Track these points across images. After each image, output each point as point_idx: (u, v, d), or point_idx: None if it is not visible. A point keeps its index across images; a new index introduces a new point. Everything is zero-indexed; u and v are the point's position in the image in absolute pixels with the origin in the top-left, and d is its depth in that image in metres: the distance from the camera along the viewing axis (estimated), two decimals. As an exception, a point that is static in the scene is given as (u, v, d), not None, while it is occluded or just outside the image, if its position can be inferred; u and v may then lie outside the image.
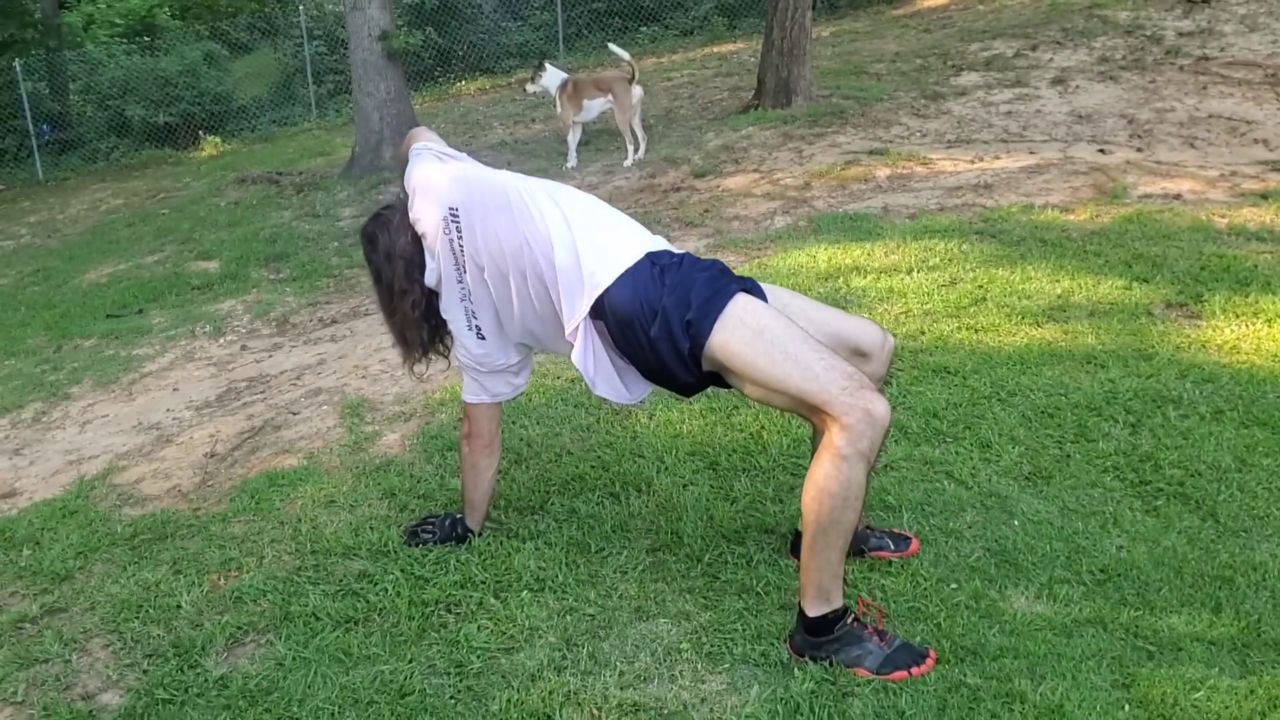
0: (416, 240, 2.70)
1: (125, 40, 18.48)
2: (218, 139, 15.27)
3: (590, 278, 2.45)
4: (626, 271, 2.43)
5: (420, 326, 2.80)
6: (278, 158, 12.49)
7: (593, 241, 2.49)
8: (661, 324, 2.37)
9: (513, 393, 2.88)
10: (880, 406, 2.19)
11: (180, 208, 10.21)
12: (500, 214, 2.56)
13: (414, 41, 10.72)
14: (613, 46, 9.21)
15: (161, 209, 10.45)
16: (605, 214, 2.63)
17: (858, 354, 2.52)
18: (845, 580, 2.51)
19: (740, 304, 2.35)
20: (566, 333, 2.52)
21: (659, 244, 2.55)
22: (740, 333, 2.31)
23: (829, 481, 2.22)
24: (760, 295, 2.46)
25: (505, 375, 2.81)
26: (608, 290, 2.43)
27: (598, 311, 2.46)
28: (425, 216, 2.66)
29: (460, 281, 2.66)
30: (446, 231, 2.62)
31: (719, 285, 2.39)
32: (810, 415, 2.28)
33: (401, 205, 2.76)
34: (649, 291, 2.40)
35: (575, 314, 2.48)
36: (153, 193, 11.73)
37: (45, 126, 16.84)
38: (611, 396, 2.59)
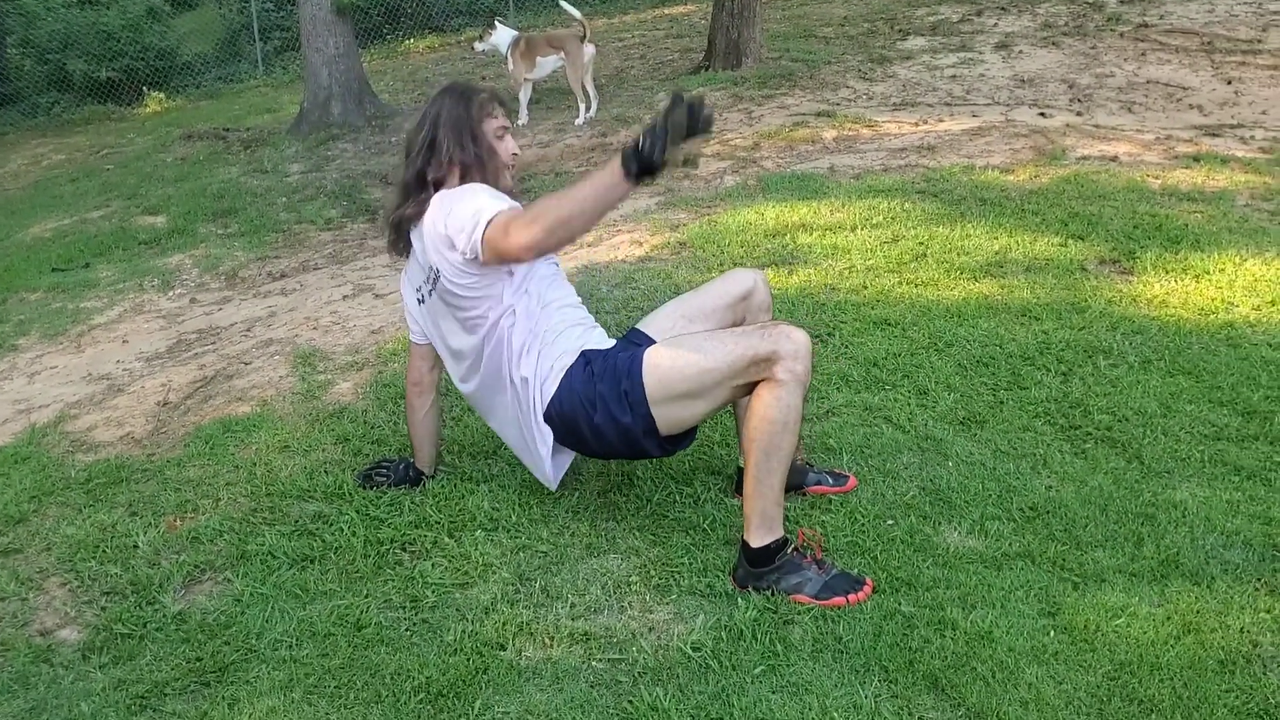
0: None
1: (66, -7, 18.05)
2: (162, 95, 14.99)
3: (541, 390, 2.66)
4: (564, 377, 2.63)
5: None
6: (224, 114, 12.33)
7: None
8: (603, 409, 2.55)
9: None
10: (799, 333, 2.41)
11: (125, 163, 10.07)
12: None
13: (362, -2, 10.64)
14: (564, 4, 9.19)
15: (106, 165, 10.29)
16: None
17: (743, 299, 2.79)
18: (786, 516, 2.62)
19: (651, 351, 2.55)
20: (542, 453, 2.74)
21: (596, 337, 2.73)
22: (664, 362, 2.50)
23: (768, 409, 2.38)
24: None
25: None
26: (550, 400, 2.64)
27: (548, 418, 2.67)
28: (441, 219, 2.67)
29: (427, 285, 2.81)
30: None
31: (632, 352, 2.58)
32: (753, 379, 2.42)
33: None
34: (585, 387, 2.59)
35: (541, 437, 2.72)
36: (96, 148, 11.54)
37: (-19, 80, 16.46)
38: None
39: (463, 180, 2.69)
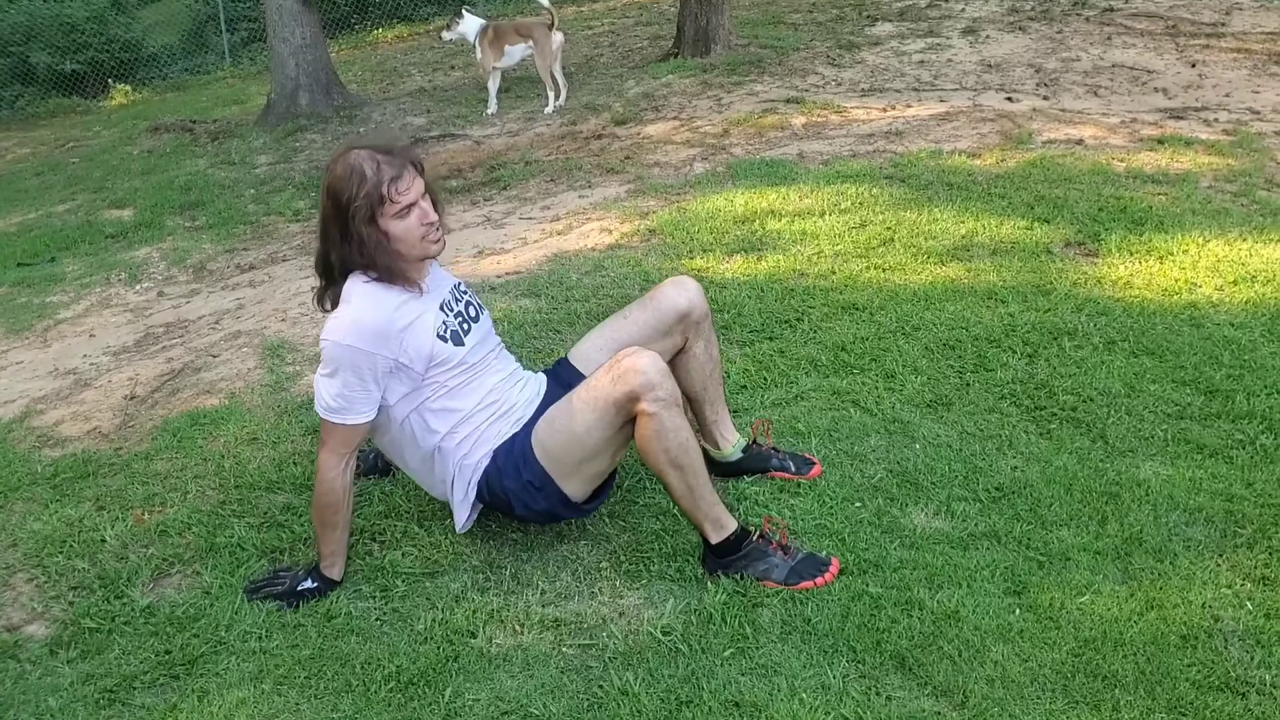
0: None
1: (27, -16, 17.82)
2: (128, 88, 14.85)
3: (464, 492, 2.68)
4: (479, 487, 2.65)
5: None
6: (191, 106, 12.22)
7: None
8: (518, 502, 2.58)
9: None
10: (643, 360, 2.38)
11: (91, 156, 9.97)
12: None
13: (329, -13, 10.56)
14: (532, -8, 9.15)
15: (71, 158, 10.19)
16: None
17: (680, 320, 2.76)
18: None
19: (535, 433, 2.56)
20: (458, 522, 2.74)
21: (499, 427, 2.66)
22: (548, 441, 2.52)
23: (655, 440, 2.38)
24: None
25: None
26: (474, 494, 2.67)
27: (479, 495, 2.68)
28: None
29: None
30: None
31: (520, 431, 2.61)
32: (631, 416, 2.41)
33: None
34: (496, 488, 2.61)
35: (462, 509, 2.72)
36: (61, 142, 11.42)
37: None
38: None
39: (368, 266, 2.52)
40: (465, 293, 2.74)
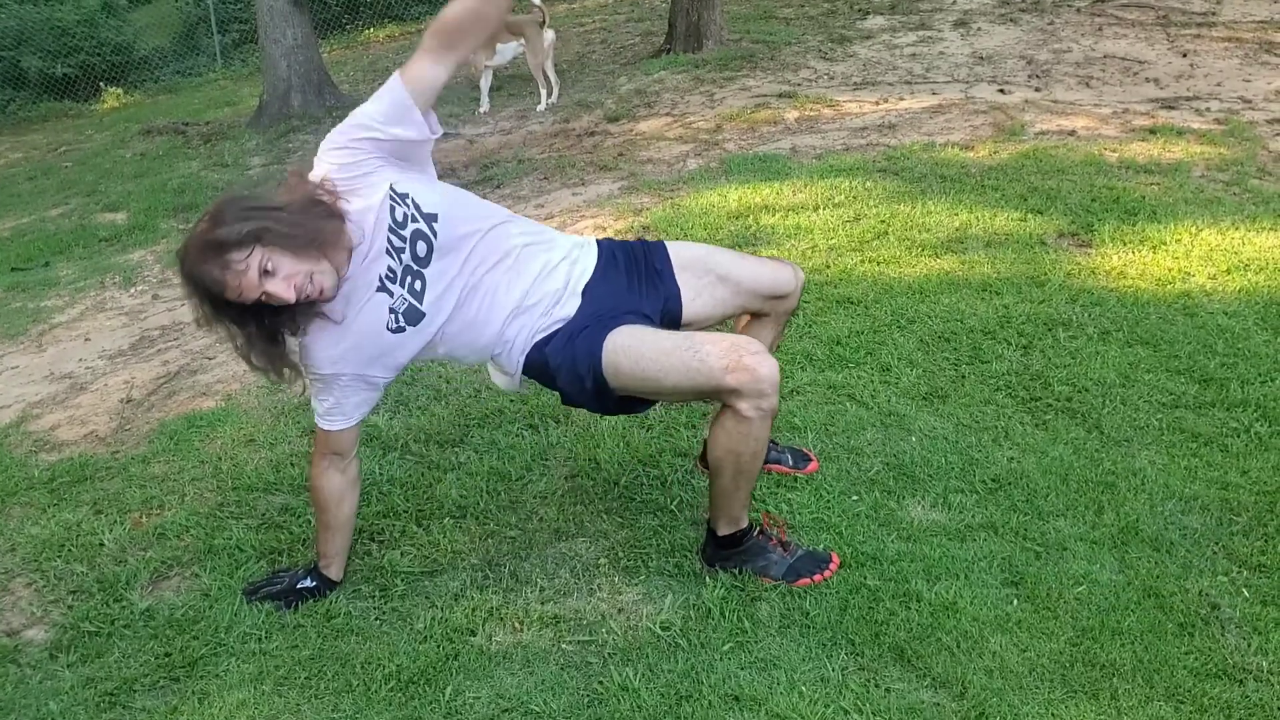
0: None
1: (17, -11, 17.79)
2: (119, 91, 14.84)
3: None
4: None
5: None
6: (183, 108, 12.21)
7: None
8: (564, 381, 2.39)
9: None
10: (766, 368, 2.22)
11: (84, 160, 9.95)
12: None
13: (320, -12, 10.56)
14: (523, -10, 9.16)
15: (64, 162, 10.17)
16: None
17: (776, 297, 2.62)
18: (753, 495, 2.64)
19: (610, 351, 2.32)
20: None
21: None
22: (623, 367, 2.30)
23: (736, 443, 2.29)
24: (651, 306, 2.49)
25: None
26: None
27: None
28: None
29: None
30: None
31: (590, 341, 2.35)
32: (720, 399, 2.29)
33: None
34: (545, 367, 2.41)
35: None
36: (53, 146, 11.40)
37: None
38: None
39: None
40: (405, 221, 2.26)
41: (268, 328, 2.26)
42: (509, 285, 2.38)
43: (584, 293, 2.43)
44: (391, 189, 2.24)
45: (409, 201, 2.25)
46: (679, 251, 2.58)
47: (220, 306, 2.20)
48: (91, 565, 2.83)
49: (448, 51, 2.19)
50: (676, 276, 2.52)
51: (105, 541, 2.92)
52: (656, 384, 2.29)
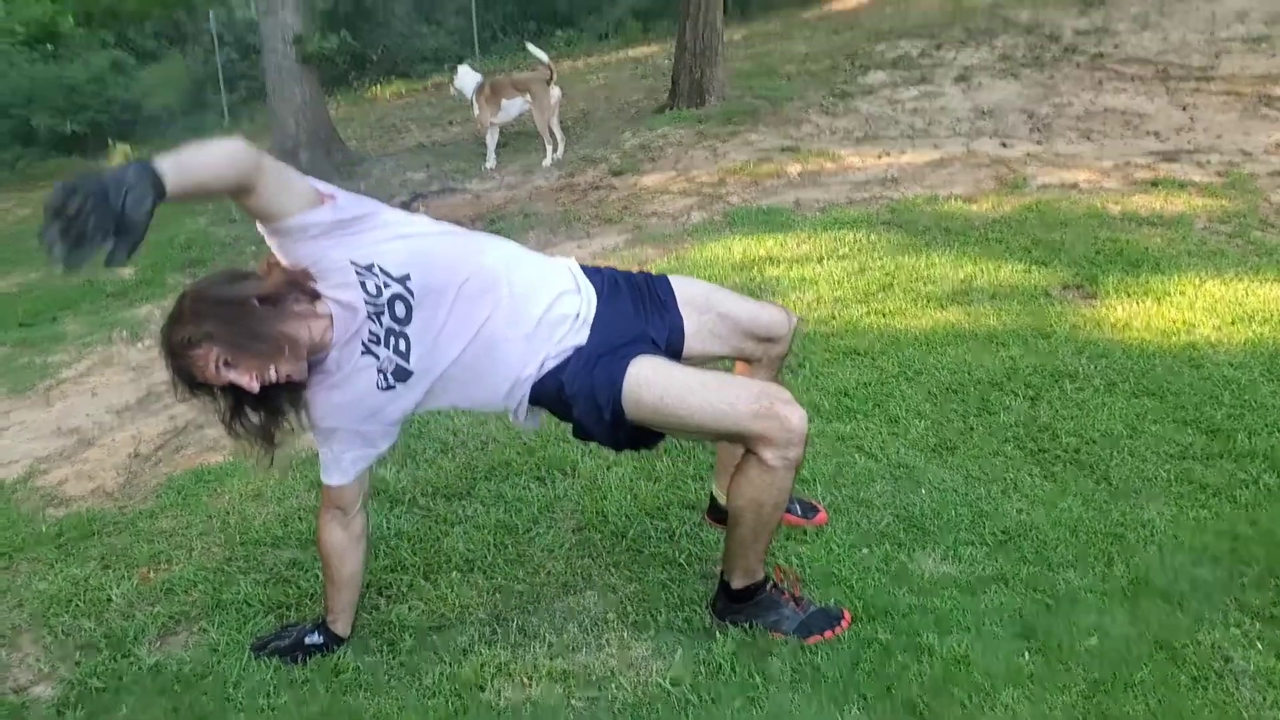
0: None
1: (28, 48, 18.04)
2: (127, 147, 14.97)
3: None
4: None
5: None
6: (190, 165, 12.31)
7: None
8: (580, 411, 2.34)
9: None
10: (796, 418, 2.20)
11: (91, 216, 10.02)
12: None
13: (328, 45, 10.68)
14: (531, 47, 9.28)
15: (71, 218, 10.24)
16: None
17: (768, 340, 2.60)
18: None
19: (632, 383, 2.27)
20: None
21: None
22: (646, 399, 2.26)
23: (761, 493, 2.27)
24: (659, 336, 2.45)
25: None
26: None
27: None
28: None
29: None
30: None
31: (611, 371, 2.31)
32: (738, 443, 2.28)
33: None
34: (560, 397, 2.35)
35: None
36: (61, 202, 11.49)
37: (-56, 137, 16.40)
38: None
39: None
40: (379, 290, 2.20)
41: (259, 401, 2.26)
42: (510, 322, 2.30)
43: (594, 319, 2.38)
44: (353, 264, 2.18)
45: (375, 270, 2.19)
46: (681, 286, 2.56)
47: (199, 386, 2.22)
48: (99, 621, 2.81)
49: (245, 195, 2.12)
50: (680, 309, 2.50)
51: (113, 597, 2.91)
52: (680, 421, 2.27)
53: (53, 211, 1.79)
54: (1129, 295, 4.29)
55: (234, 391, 2.22)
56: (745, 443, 2.24)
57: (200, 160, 2.06)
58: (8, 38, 19.42)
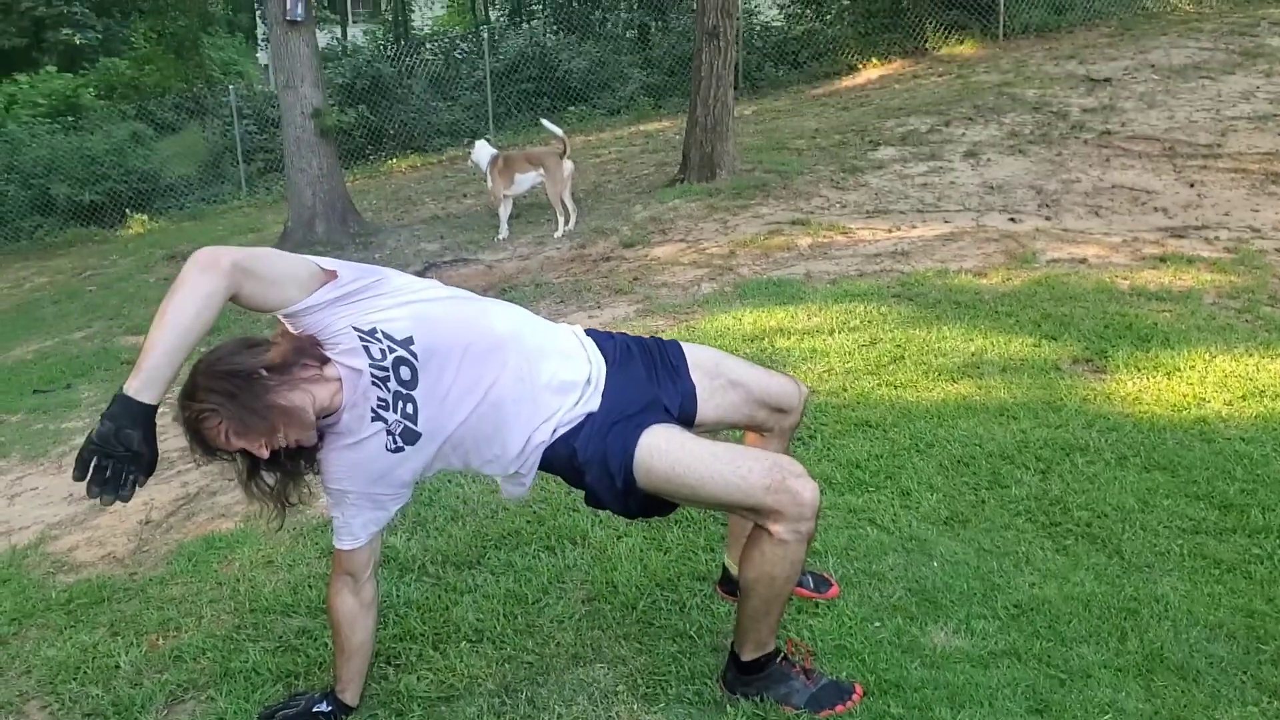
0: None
1: (49, 120, 18.36)
2: (145, 217, 15.19)
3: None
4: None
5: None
6: (208, 235, 12.46)
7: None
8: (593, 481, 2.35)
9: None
10: (808, 493, 2.21)
11: (108, 284, 10.15)
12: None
13: (346, 119, 10.85)
14: (546, 122, 9.44)
15: (89, 286, 10.37)
16: None
17: (779, 410, 2.61)
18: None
19: (644, 453, 2.29)
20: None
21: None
22: (657, 468, 2.27)
23: (772, 566, 2.27)
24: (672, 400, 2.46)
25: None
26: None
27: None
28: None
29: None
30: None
31: (624, 440, 2.32)
32: (749, 516, 2.29)
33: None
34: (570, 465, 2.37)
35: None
36: (79, 270, 11.63)
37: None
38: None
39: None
40: (384, 354, 2.23)
41: (273, 464, 2.29)
42: (518, 383, 2.31)
43: (606, 385, 2.39)
44: (355, 330, 2.21)
45: (378, 335, 2.21)
46: (693, 352, 2.58)
47: (214, 451, 2.25)
48: (107, 688, 2.80)
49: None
50: (691, 374, 2.51)
51: (121, 664, 2.90)
52: (691, 491, 2.27)
53: (89, 487, 2.12)
54: (1139, 369, 4.30)
55: (248, 455, 2.24)
56: (757, 516, 2.25)
57: (169, 342, 2.10)
58: (30, 109, 19.82)
